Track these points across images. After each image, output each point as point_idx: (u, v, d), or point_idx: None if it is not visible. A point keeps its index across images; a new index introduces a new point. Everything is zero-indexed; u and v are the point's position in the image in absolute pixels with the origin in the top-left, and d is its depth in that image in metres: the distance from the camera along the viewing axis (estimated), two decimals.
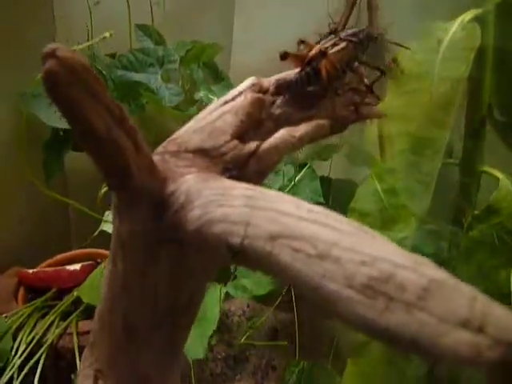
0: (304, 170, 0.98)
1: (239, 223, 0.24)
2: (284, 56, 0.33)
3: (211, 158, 0.31)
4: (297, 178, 1.04)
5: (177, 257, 0.29)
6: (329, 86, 0.35)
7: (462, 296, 0.16)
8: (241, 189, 0.26)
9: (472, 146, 0.68)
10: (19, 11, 0.92)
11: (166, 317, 0.35)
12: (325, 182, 1.14)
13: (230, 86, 1.00)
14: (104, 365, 0.36)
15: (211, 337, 0.72)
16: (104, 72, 0.97)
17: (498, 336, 0.14)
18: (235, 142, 0.31)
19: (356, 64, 0.37)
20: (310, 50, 0.35)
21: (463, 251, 0.72)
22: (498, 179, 0.67)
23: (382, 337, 0.18)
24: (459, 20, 0.55)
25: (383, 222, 0.74)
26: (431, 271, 0.18)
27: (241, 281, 0.77)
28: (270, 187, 0.44)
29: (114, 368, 0.36)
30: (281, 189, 0.98)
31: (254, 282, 0.76)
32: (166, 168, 0.29)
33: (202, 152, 0.31)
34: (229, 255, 0.26)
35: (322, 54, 0.32)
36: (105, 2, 0.96)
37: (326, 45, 0.35)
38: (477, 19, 0.56)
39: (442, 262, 0.80)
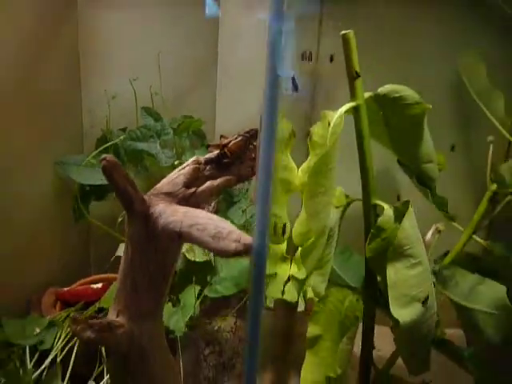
0: None
1: (178, 221, 0.58)
2: (208, 146, 0.67)
3: (172, 197, 0.65)
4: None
5: (156, 243, 0.63)
6: (235, 160, 0.69)
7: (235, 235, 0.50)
8: (182, 209, 0.60)
9: (367, 188, 1.01)
10: (57, 106, 1.31)
11: (155, 281, 0.68)
12: None
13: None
14: (121, 307, 0.69)
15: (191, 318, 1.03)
16: (118, 143, 1.34)
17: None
18: (184, 188, 0.66)
19: (251, 147, 0.72)
20: (225, 140, 0.70)
21: (372, 254, 1.03)
22: (385, 208, 0.99)
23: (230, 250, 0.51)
24: (340, 110, 0.89)
25: None
26: (235, 230, 0.51)
27: (214, 286, 1.09)
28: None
29: (127, 308, 0.68)
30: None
31: (223, 287, 1.08)
32: (150, 201, 0.63)
33: (167, 194, 0.65)
34: (177, 237, 0.59)
35: (223, 146, 0.66)
36: (119, 94, 1.34)
37: (231, 138, 0.69)
38: (353, 109, 0.92)
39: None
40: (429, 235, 1.15)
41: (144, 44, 1.43)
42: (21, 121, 1.15)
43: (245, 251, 0.47)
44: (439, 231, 1.15)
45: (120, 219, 1.22)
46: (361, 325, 1.11)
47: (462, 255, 1.14)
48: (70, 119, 1.39)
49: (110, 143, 1.33)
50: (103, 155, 0.55)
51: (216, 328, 1.66)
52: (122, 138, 1.30)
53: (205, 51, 1.52)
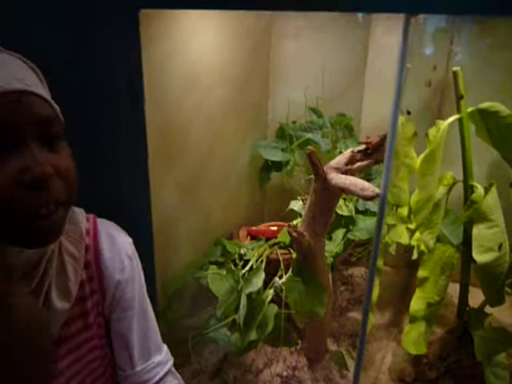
0: None
1: (342, 182, 1.14)
2: (359, 143, 1.21)
3: (338, 170, 1.21)
4: None
5: (329, 193, 1.20)
6: (374, 151, 1.22)
7: (372, 188, 1.04)
8: (344, 176, 1.16)
9: (466, 174, 1.46)
10: (253, 107, 1.95)
11: (326, 214, 1.25)
12: None
13: (356, 141, 1.88)
14: (305, 228, 1.27)
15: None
16: (292, 133, 1.93)
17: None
18: (344, 166, 1.21)
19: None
20: (369, 139, 1.24)
21: (466, 220, 1.48)
22: (477, 187, 1.44)
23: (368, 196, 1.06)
24: (448, 121, 1.36)
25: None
26: (372, 186, 1.05)
27: (354, 232, 1.63)
28: None
29: (308, 229, 1.27)
30: None
31: (360, 233, 1.62)
32: (327, 171, 1.21)
33: (335, 168, 1.21)
34: (340, 190, 1.16)
35: (368, 143, 1.19)
36: (294, 98, 1.93)
37: (373, 138, 1.22)
38: (458, 120, 1.38)
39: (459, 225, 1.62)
40: None
41: (312, 62, 2.00)
42: (234, 118, 1.80)
43: (376, 196, 1.01)
44: None
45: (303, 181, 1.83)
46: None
47: None
48: (260, 116, 2.03)
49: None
50: (308, 146, 1.12)
51: (350, 273, 2.22)
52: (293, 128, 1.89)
53: (356, 66, 2.03)
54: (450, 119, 1.38)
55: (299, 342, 1.74)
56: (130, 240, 0.75)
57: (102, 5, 0.84)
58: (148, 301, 0.77)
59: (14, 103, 0.50)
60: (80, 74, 0.87)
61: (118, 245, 0.71)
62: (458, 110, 1.39)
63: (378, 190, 1.01)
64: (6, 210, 0.49)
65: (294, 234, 1.22)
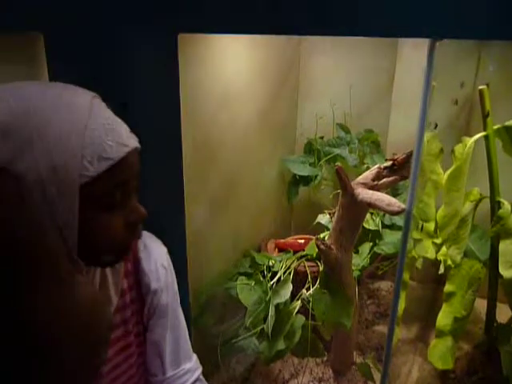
0: None
1: (369, 198, 1.19)
2: (386, 159, 1.26)
3: (365, 185, 1.25)
4: None
5: (356, 207, 1.24)
6: (400, 168, 1.26)
7: (397, 203, 1.07)
8: (370, 191, 1.20)
9: (493, 190, 1.48)
10: (281, 122, 2.01)
11: (353, 229, 1.30)
12: None
13: (383, 156, 1.92)
14: (333, 241, 1.32)
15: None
16: (319, 148, 1.98)
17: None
18: (371, 181, 1.25)
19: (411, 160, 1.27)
20: (396, 156, 1.28)
21: (493, 235, 1.50)
22: (504, 203, 1.46)
23: (394, 211, 1.10)
24: (474, 138, 1.38)
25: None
26: (397, 201, 1.09)
27: (380, 246, 1.66)
28: None
29: (336, 242, 1.31)
30: None
31: (386, 247, 1.65)
32: (354, 186, 1.25)
33: (363, 183, 1.26)
34: (367, 205, 1.20)
35: (394, 159, 1.24)
36: (322, 114, 1.99)
37: (399, 155, 1.26)
38: (484, 137, 1.40)
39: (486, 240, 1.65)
40: None
41: (340, 79, 2.05)
42: (263, 133, 1.86)
43: (402, 211, 1.05)
44: None
45: (331, 196, 1.87)
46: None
47: None
48: (289, 131, 2.09)
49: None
50: (337, 163, 1.17)
51: (376, 287, 2.24)
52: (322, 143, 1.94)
53: (384, 82, 2.08)
54: (476, 136, 1.41)
55: (325, 353, 1.77)
56: (165, 249, 0.79)
57: (144, 29, 0.91)
58: (180, 310, 0.81)
59: (134, 158, 0.58)
60: (120, 93, 0.93)
61: (154, 255, 0.76)
62: (485, 128, 1.42)
63: (403, 206, 1.05)
64: (116, 244, 0.58)
65: (322, 246, 1.26)
